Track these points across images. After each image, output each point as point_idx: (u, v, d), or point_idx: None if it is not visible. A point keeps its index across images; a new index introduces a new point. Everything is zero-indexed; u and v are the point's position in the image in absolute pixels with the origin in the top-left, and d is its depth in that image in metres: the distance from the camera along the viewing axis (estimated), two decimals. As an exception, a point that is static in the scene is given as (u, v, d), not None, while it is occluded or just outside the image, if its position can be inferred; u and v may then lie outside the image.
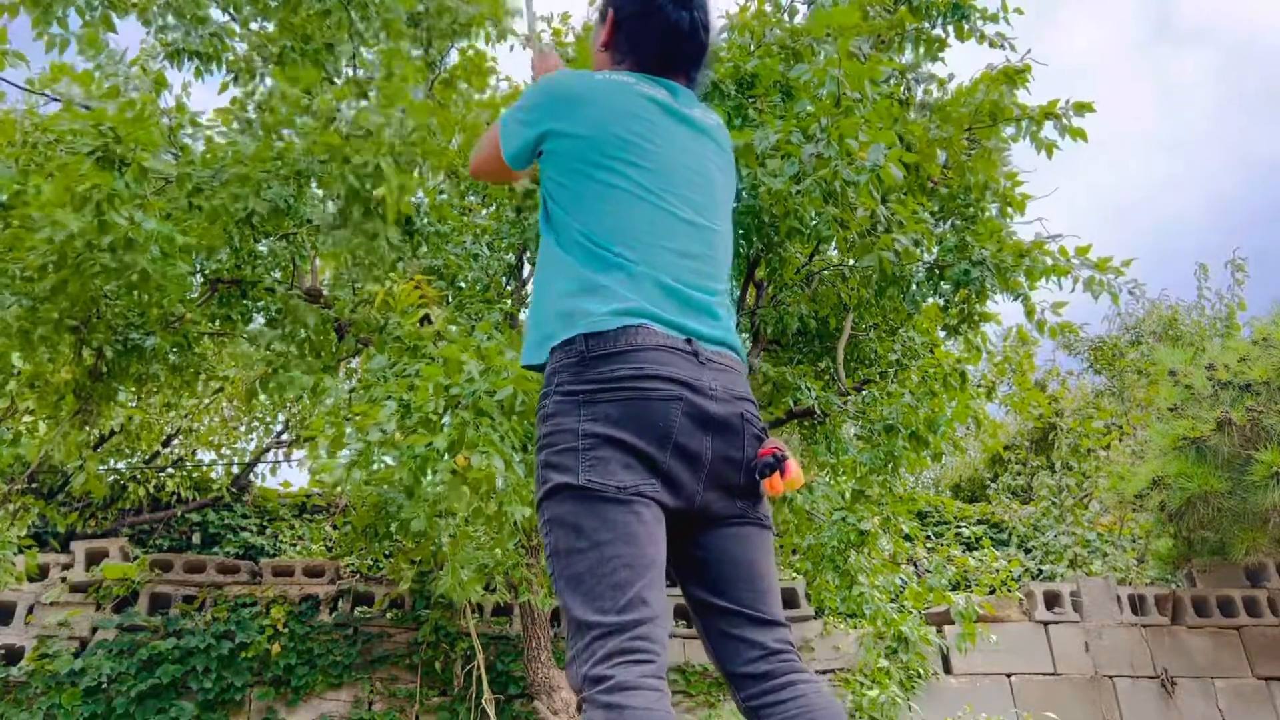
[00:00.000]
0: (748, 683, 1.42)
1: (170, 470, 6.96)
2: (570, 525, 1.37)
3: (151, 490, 6.78)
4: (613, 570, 1.33)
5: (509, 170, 1.73)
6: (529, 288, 5.51)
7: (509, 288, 5.36)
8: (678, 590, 1.53)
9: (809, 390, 4.59)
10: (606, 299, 1.45)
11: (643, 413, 1.38)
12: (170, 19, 4.34)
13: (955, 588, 6.49)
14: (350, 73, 4.73)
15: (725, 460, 1.45)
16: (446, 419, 3.32)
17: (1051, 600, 6.27)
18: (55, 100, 3.65)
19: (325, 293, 4.89)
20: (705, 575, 1.48)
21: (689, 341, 1.46)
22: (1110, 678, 6.00)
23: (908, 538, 6.33)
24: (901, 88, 4.34)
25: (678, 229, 1.54)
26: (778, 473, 1.45)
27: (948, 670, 5.94)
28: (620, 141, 1.54)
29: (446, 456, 3.18)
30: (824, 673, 5.78)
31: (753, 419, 1.49)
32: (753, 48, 4.17)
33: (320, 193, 4.28)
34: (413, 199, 4.53)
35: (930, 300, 4.64)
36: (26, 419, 5.35)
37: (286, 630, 5.46)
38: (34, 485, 6.27)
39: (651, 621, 1.32)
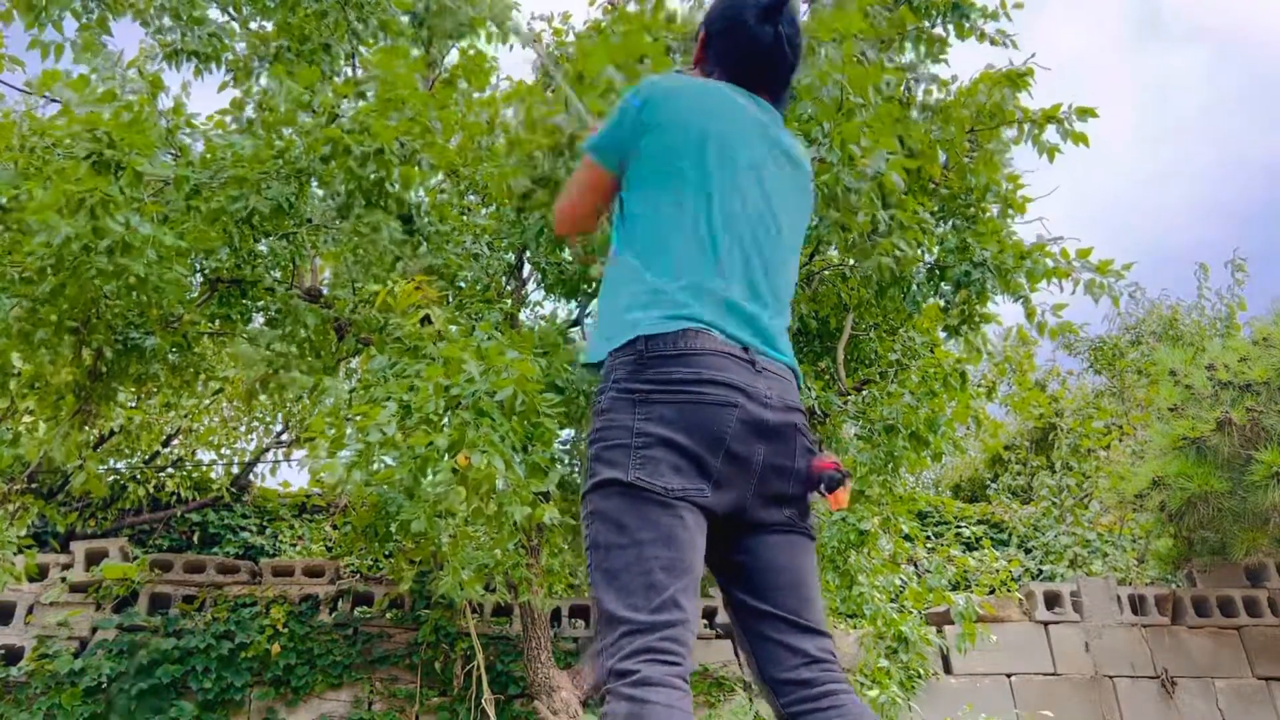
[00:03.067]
0: (788, 689, 1.42)
1: (170, 470, 6.96)
2: (613, 520, 1.39)
3: (151, 490, 6.78)
4: (650, 570, 1.34)
5: (597, 199, 1.72)
6: (529, 287, 5.51)
7: (509, 288, 5.35)
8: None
9: (809, 390, 4.58)
10: (668, 306, 1.48)
11: (698, 416, 1.40)
12: (167, 20, 4.33)
13: (955, 588, 6.49)
14: (350, 72, 4.73)
15: (776, 469, 1.46)
16: (447, 419, 3.32)
17: (1051, 600, 6.27)
18: (55, 102, 3.64)
19: (325, 293, 4.89)
20: (749, 580, 1.49)
21: (745, 350, 1.48)
22: (1110, 678, 6.00)
23: (908, 538, 6.33)
24: (902, 87, 4.32)
25: (746, 246, 1.55)
26: (842, 488, 1.47)
27: (948, 670, 5.94)
28: (705, 145, 1.56)
29: (447, 457, 3.17)
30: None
31: (804, 430, 1.50)
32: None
33: (320, 192, 4.28)
34: (413, 198, 4.53)
35: (931, 301, 4.63)
36: (26, 419, 5.35)
37: (286, 630, 5.46)
38: (34, 485, 6.27)
39: (682, 625, 1.34)
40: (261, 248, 4.62)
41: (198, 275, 4.51)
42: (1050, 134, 3.95)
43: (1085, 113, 3.88)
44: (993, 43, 4.45)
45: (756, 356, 1.48)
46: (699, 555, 1.40)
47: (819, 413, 4.68)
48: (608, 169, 1.66)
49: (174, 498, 6.84)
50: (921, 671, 5.78)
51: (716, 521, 1.45)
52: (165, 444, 7.19)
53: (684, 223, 1.53)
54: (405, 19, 4.82)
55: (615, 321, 1.53)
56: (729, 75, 1.69)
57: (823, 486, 1.47)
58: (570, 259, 4.69)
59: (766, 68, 1.69)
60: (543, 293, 5.21)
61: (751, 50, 1.67)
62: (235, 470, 7.24)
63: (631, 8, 4.25)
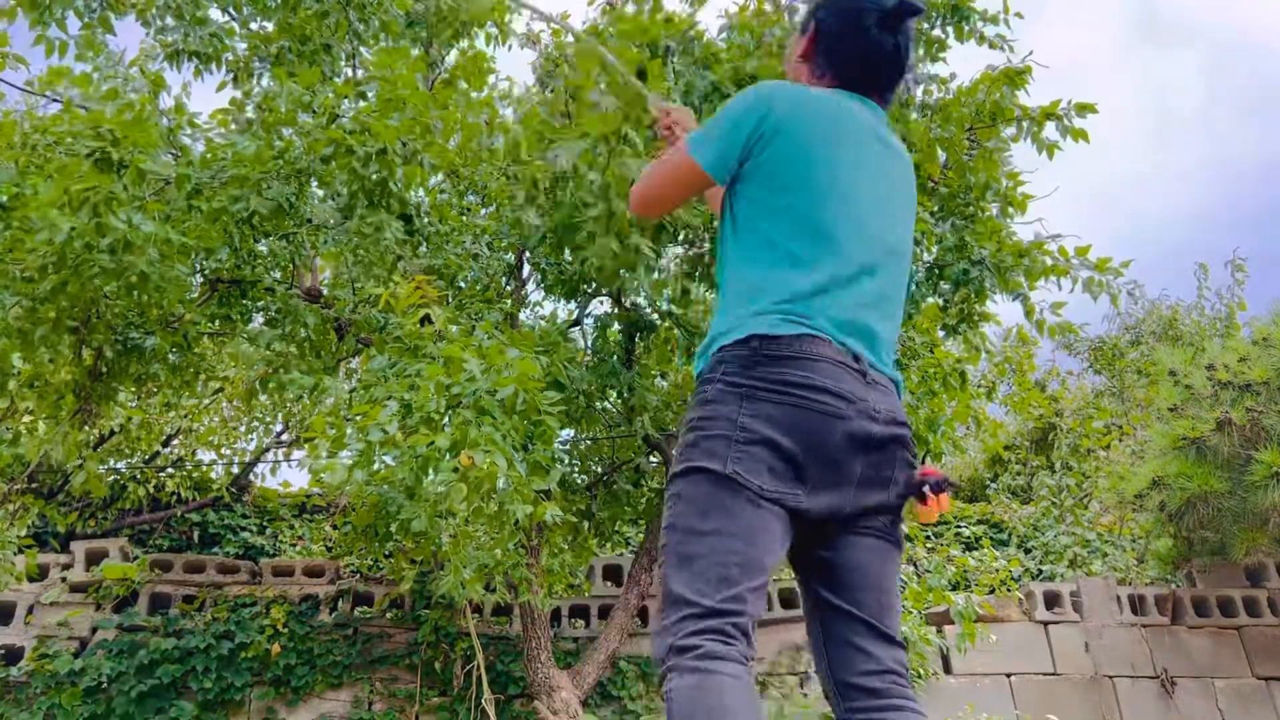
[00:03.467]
0: (857, 694, 1.42)
1: (170, 470, 6.96)
2: (699, 507, 1.40)
3: (151, 490, 6.78)
4: (725, 564, 1.35)
5: (688, 196, 1.69)
6: (529, 287, 5.52)
7: (509, 288, 5.36)
8: None
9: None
10: (785, 310, 1.47)
11: (805, 422, 1.40)
12: (169, 20, 4.34)
13: (955, 588, 6.49)
14: (350, 73, 4.74)
15: (874, 479, 1.46)
16: (448, 418, 3.32)
17: (1051, 600, 6.27)
18: (55, 101, 3.65)
19: (325, 293, 4.89)
20: (833, 577, 1.49)
21: (857, 359, 1.48)
22: (1110, 678, 6.00)
23: (907, 537, 6.33)
24: (901, 88, 4.33)
25: (862, 253, 1.54)
26: (945, 493, 1.47)
27: (948, 670, 5.94)
28: (824, 155, 1.54)
29: (448, 456, 3.18)
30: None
31: (907, 443, 1.51)
32: (753, 47, 4.17)
33: (320, 192, 4.28)
34: (413, 198, 4.53)
35: (930, 300, 4.64)
36: (26, 419, 5.35)
37: (286, 630, 5.46)
38: (34, 485, 6.27)
39: (746, 617, 1.35)
40: (261, 248, 4.63)
41: (198, 275, 4.52)
42: (1050, 131, 3.95)
43: (1084, 108, 3.88)
44: (992, 46, 4.46)
45: (868, 368, 1.48)
46: (775, 559, 1.41)
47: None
48: (715, 178, 1.61)
49: (174, 498, 6.84)
50: (921, 671, 5.78)
51: (807, 525, 1.45)
52: (165, 444, 7.19)
53: (801, 230, 1.52)
54: (406, 19, 4.83)
55: (730, 318, 1.52)
56: (840, 76, 1.67)
57: (926, 488, 1.47)
58: (570, 260, 4.69)
59: (881, 74, 1.68)
60: (542, 293, 5.22)
61: (868, 56, 1.65)
62: (235, 470, 7.24)
63: (629, 8, 4.26)
